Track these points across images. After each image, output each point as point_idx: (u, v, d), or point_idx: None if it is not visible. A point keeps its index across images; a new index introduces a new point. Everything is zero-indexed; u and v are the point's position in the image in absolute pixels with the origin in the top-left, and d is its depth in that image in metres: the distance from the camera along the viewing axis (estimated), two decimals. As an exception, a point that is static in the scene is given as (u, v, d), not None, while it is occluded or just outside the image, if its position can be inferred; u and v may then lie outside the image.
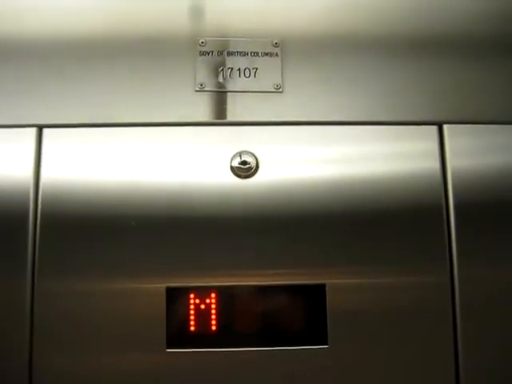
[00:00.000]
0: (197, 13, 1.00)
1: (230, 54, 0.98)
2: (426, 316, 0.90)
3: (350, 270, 0.91)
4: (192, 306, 0.89)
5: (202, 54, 0.97)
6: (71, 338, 0.87)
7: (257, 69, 0.97)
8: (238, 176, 0.93)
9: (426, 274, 0.91)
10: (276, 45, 0.98)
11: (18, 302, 0.87)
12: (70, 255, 0.89)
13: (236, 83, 0.97)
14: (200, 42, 0.98)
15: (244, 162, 0.93)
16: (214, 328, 0.89)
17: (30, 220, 0.89)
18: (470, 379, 0.89)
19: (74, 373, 0.87)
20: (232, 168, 0.93)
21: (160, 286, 0.88)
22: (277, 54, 0.98)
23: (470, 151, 0.96)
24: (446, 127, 0.96)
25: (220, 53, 0.97)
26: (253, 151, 0.94)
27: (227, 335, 0.89)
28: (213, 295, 0.89)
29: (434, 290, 0.91)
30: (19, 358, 0.86)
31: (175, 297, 0.89)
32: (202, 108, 0.96)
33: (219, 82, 0.97)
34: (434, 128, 0.96)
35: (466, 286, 0.91)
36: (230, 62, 0.97)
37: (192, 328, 0.89)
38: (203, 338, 0.89)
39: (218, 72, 0.97)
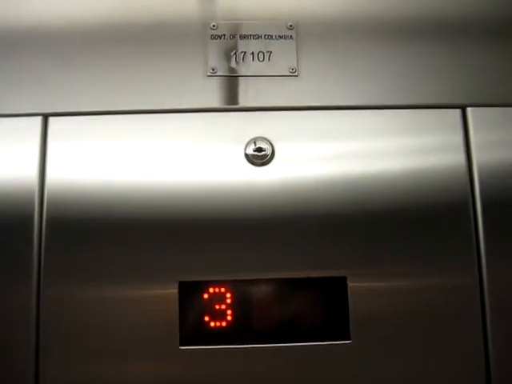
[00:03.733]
0: (207, -5, 0.97)
1: (242, 37, 0.94)
2: (453, 315, 0.86)
3: (371, 266, 0.87)
4: (206, 302, 0.85)
5: (214, 37, 0.94)
6: (81, 338, 0.84)
7: (271, 52, 0.94)
8: (253, 164, 0.90)
9: (454, 274, 0.87)
10: (291, 27, 0.95)
11: (24, 308, 0.84)
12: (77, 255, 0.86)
13: (249, 67, 0.94)
14: (211, 25, 0.95)
15: (259, 149, 0.89)
16: (229, 324, 0.85)
17: (36, 216, 0.86)
18: (501, 380, 0.85)
19: (84, 376, 0.84)
20: (247, 155, 0.90)
21: (172, 280, 0.85)
22: (291, 37, 0.94)
23: (498, 139, 0.91)
24: (469, 110, 0.92)
25: (232, 36, 0.94)
26: (268, 137, 0.90)
27: (244, 331, 0.85)
28: (228, 289, 0.85)
29: (462, 290, 0.87)
30: (26, 366, 0.83)
31: (188, 291, 0.85)
32: (214, 93, 0.93)
33: (231, 67, 0.94)
34: (457, 112, 0.92)
35: (495, 287, 0.87)
36: (243, 45, 0.94)
37: (206, 324, 0.85)
38: (218, 334, 0.85)
39: (231, 56, 0.94)
